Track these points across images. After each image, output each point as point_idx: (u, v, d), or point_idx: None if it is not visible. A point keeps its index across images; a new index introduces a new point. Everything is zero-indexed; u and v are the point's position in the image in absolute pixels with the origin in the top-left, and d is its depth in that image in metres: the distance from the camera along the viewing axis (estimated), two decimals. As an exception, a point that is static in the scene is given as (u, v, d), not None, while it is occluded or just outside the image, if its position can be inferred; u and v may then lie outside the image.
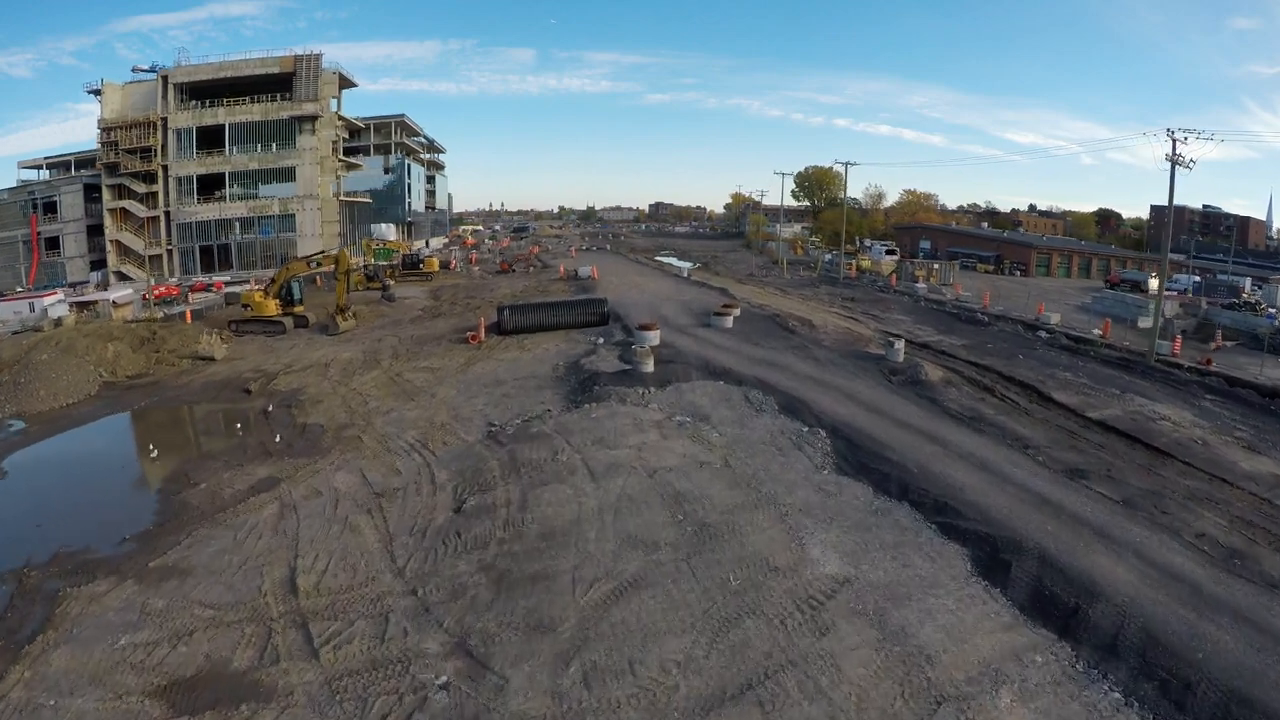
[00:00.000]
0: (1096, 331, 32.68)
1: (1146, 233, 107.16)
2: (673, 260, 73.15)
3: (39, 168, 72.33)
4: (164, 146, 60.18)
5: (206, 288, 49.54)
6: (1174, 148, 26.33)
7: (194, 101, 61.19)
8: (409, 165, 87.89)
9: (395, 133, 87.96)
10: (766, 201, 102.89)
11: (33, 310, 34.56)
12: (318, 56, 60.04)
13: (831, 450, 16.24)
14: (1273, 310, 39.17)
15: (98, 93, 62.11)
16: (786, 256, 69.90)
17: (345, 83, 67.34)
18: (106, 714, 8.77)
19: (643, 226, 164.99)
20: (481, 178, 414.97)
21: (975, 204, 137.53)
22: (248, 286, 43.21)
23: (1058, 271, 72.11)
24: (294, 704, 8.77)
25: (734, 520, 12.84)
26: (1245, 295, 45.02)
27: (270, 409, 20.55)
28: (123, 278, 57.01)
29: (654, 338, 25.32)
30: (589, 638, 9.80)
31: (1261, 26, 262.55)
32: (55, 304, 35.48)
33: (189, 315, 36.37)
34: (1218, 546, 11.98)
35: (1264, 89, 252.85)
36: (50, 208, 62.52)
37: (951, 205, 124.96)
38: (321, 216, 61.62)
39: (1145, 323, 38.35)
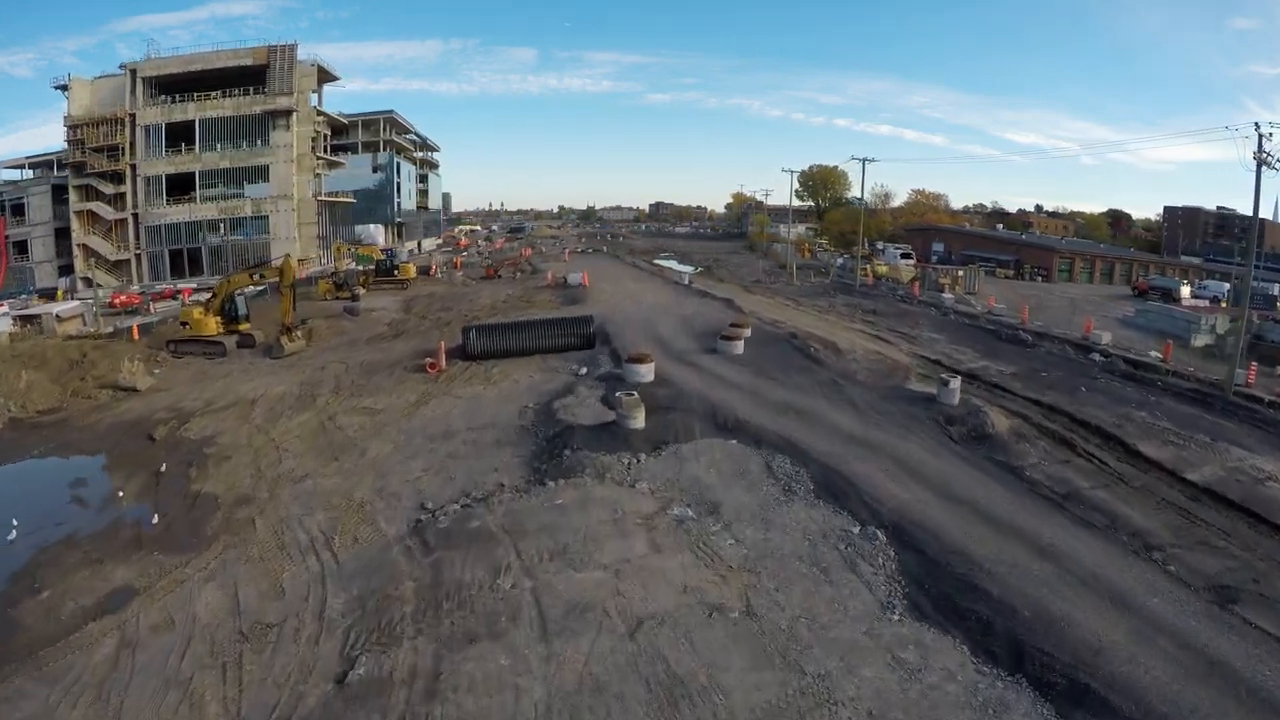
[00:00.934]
0: (1155, 354, 28.82)
1: (1161, 234, 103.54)
2: (673, 264, 68.86)
3: (21, 167, 68.56)
4: (132, 144, 56.56)
5: (174, 295, 45.38)
6: (1260, 144, 22.64)
7: (164, 96, 57.52)
8: (399, 164, 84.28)
9: (384, 130, 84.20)
10: (771, 201, 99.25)
11: (-30, 325, 30.86)
12: (292, 48, 56.30)
13: (899, 570, 11.60)
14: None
15: (65, 88, 58.57)
16: (795, 261, 65.85)
17: (326, 76, 63.61)
18: None
19: (642, 226, 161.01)
20: (481, 177, 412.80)
21: (981, 204, 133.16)
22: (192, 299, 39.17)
23: (1080, 276, 68.37)
24: None
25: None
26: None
27: (163, 469, 16.58)
28: (89, 284, 53.30)
29: (648, 373, 21.20)
30: None
31: (1261, 26, 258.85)
32: (-3, 318, 31.77)
33: (135, 330, 32.54)
34: None
35: (1264, 89, 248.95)
36: (19, 210, 59.01)
37: (957, 205, 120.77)
38: (298, 218, 57.87)
39: (1199, 340, 34.64)
